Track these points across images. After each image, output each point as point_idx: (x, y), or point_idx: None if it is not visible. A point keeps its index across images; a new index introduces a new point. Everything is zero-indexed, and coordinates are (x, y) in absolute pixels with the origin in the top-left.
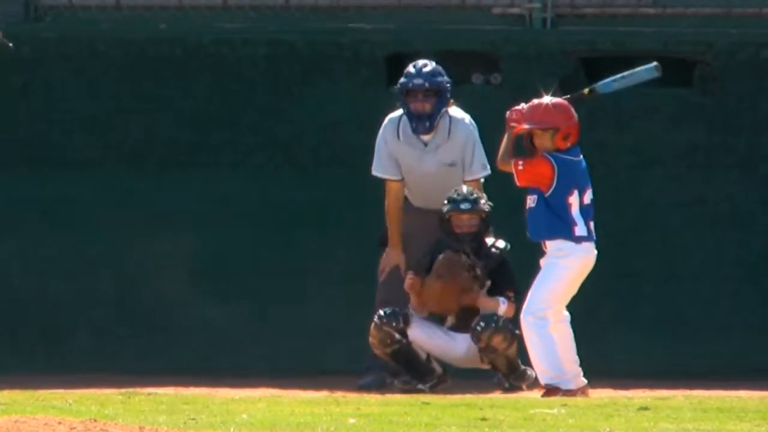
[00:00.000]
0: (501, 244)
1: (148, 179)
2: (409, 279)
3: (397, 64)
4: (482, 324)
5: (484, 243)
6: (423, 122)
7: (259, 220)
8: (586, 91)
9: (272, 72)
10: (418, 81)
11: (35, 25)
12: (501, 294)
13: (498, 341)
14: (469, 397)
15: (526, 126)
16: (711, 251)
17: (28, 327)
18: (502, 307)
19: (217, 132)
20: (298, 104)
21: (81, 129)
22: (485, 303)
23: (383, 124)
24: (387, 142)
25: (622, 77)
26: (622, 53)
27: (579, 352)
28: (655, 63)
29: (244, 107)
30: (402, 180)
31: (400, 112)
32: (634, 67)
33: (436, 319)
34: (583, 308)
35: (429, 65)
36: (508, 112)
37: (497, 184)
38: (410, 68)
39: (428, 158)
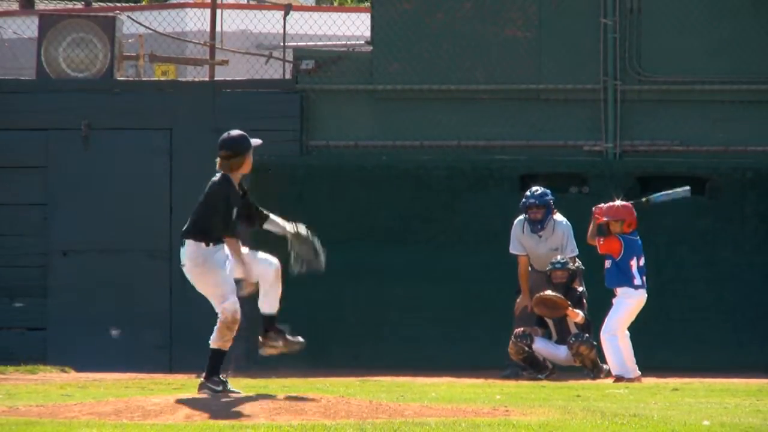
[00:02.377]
0: (581, 288)
1: (373, 247)
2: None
3: (526, 180)
4: (573, 338)
5: (572, 287)
6: (537, 225)
7: (447, 272)
8: (644, 200)
9: (450, 185)
10: (533, 201)
11: (306, 156)
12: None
13: (583, 349)
14: (569, 383)
15: (605, 219)
16: (714, 289)
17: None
18: (580, 315)
19: (415, 220)
20: (465, 204)
21: (330, 216)
22: (572, 314)
23: (514, 224)
24: (517, 234)
25: (667, 194)
26: (662, 174)
27: (637, 354)
28: (688, 187)
29: (432, 206)
30: (527, 255)
31: (523, 216)
32: (672, 185)
33: (547, 335)
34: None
35: (539, 190)
36: (594, 208)
37: (593, 255)
38: (528, 192)
39: (542, 245)
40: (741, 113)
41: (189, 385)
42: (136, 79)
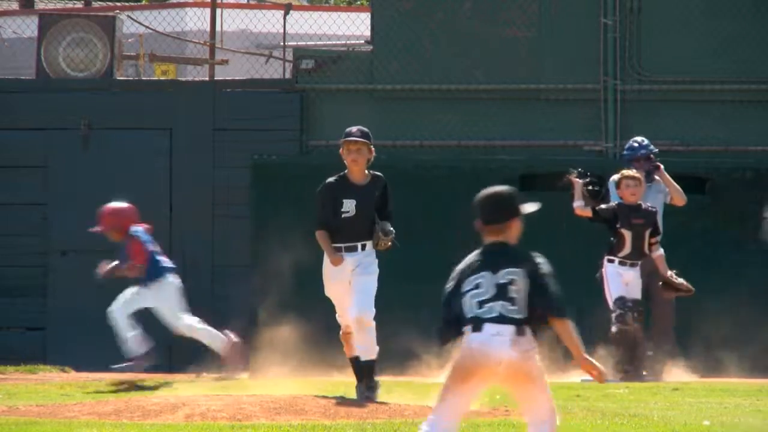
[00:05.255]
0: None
1: None
2: None
3: (527, 180)
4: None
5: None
6: (650, 175)
7: (448, 272)
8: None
9: (450, 185)
10: (653, 149)
11: (305, 156)
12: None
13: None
14: (569, 383)
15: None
16: (714, 289)
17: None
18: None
19: (415, 220)
20: (465, 204)
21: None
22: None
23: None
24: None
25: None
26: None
27: None
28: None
29: (433, 205)
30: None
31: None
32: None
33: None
34: None
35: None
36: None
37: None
38: (645, 141)
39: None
40: (741, 113)
41: (189, 385)
42: (136, 78)
